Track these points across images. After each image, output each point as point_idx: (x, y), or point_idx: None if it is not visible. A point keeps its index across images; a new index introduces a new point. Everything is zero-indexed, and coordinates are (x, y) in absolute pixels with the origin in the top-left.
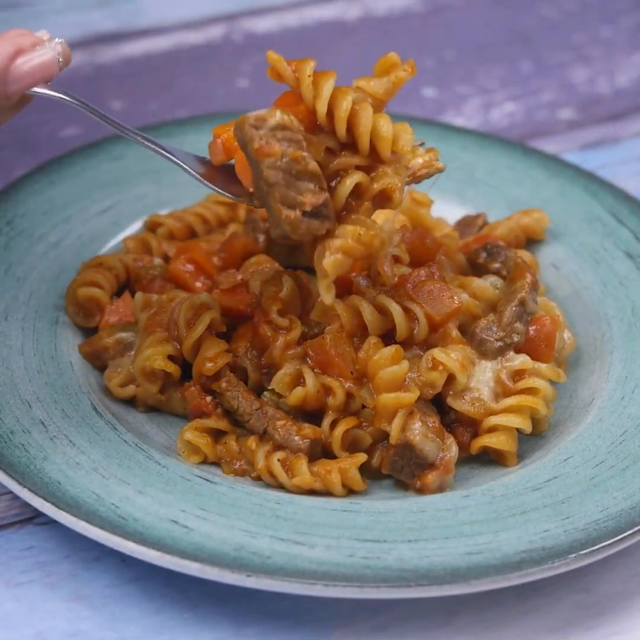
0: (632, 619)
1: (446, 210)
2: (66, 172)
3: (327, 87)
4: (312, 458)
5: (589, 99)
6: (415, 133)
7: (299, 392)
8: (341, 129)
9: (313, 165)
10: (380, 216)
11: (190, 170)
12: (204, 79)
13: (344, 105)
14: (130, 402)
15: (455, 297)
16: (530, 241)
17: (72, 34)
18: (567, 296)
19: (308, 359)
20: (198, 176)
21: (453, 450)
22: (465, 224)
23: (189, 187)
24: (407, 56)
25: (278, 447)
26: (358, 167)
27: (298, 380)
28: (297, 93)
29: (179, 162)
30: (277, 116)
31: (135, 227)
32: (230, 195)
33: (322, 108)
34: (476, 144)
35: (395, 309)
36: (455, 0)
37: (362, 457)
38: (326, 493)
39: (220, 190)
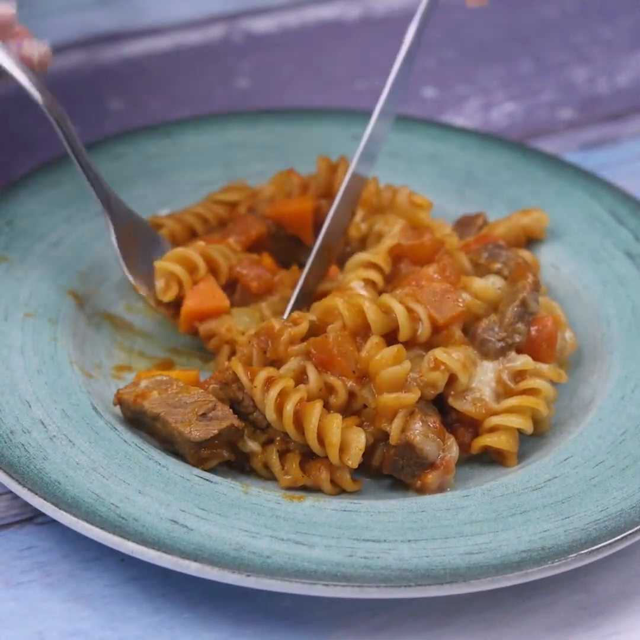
0: (632, 619)
1: (446, 210)
2: (66, 172)
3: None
4: (307, 456)
5: (589, 99)
6: (414, 133)
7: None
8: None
9: None
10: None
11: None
12: (204, 79)
13: (288, 407)
14: None
15: (460, 300)
16: (530, 241)
17: (72, 34)
18: (566, 296)
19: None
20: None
21: (453, 450)
22: (464, 224)
23: (188, 186)
24: None
25: (277, 440)
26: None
27: (301, 377)
28: None
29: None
30: None
31: None
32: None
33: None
34: (476, 144)
35: (399, 310)
36: (455, 0)
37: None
38: (317, 490)
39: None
